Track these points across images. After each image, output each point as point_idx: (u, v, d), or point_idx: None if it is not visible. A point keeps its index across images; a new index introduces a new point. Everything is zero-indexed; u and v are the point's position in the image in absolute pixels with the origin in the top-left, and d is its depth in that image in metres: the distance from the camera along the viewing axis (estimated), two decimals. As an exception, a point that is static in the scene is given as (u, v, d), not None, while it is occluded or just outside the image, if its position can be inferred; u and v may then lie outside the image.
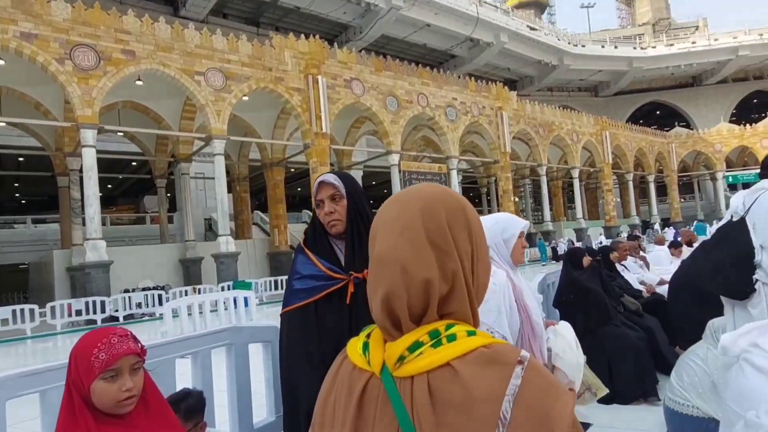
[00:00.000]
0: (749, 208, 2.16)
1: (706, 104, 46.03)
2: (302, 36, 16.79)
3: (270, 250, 19.59)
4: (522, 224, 1.89)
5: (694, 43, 43.09)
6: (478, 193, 35.29)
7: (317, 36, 17.20)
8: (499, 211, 25.37)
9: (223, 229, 14.99)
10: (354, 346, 0.69)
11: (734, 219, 2.24)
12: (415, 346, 0.61)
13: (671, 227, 26.77)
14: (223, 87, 14.61)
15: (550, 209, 29.33)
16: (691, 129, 41.02)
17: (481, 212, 35.42)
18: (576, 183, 29.27)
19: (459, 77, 22.64)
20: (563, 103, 32.90)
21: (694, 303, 2.88)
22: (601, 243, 21.51)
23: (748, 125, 37.06)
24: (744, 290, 2.04)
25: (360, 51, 19.60)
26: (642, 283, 4.89)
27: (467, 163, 29.13)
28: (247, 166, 21.46)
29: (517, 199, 25.60)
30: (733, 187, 40.35)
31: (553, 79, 41.42)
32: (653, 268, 5.61)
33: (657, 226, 30.32)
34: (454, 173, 21.54)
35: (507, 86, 25.77)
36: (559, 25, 44.71)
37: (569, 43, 38.39)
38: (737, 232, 2.16)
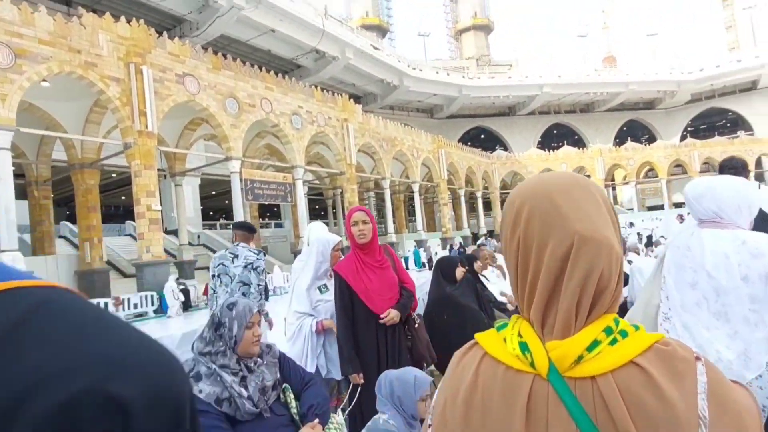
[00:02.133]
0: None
1: (520, 132, 53.01)
2: (122, 19, 14.51)
3: (80, 267, 16.38)
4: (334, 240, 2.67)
5: (510, 77, 49.42)
6: (324, 205, 35.08)
7: (142, 21, 15.04)
8: (344, 223, 25.30)
9: (9, 243, 11.92)
10: (499, 345, 0.65)
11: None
12: (594, 344, 0.59)
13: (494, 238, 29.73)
14: (10, 66, 11.73)
15: (393, 221, 30.32)
16: (509, 152, 46.68)
17: (327, 224, 35.17)
18: (416, 197, 30.80)
19: (305, 86, 22.07)
20: (403, 122, 34.64)
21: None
22: (436, 254, 22.59)
23: (551, 151, 43.49)
24: None
25: (196, 47, 17.76)
26: (503, 294, 4.69)
27: (313, 174, 28.64)
28: (50, 168, 17.80)
29: (362, 211, 25.79)
30: (541, 204, 46.80)
31: (394, 99, 43.55)
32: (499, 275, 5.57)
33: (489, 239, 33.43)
34: (299, 183, 20.77)
35: (353, 101, 26.06)
36: (398, 50, 47.45)
37: (409, 66, 40.82)
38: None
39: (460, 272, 3.56)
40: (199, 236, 25.77)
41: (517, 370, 0.61)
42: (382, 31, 61.82)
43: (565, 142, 49.92)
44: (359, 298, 2.67)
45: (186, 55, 15.86)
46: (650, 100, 54.83)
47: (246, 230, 4.02)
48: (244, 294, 3.64)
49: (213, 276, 3.78)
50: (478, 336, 0.69)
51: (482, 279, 4.37)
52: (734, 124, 52.71)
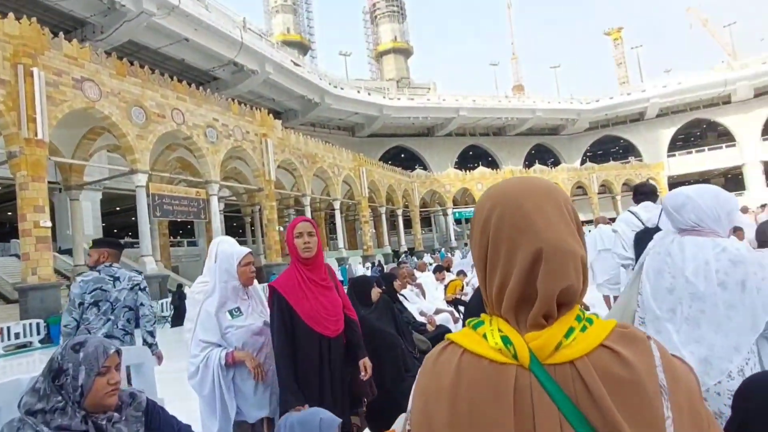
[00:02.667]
0: (658, 219, 3.00)
1: (438, 152, 54.84)
2: (11, 16, 13.07)
3: (-52, 294, 14.21)
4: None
5: (428, 99, 51.19)
6: (242, 223, 33.74)
7: (34, 20, 13.64)
8: (263, 241, 24.35)
9: None
10: (478, 341, 0.68)
11: (649, 227, 3.14)
12: (570, 332, 0.64)
13: (432, 253, 30.18)
14: None
15: (314, 239, 29.70)
16: (428, 171, 48.02)
17: (244, 243, 33.80)
18: (337, 214, 30.56)
19: (222, 98, 21.20)
20: (325, 139, 34.47)
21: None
22: (356, 272, 22.42)
23: (467, 171, 45.37)
24: None
25: (98, 51, 16.39)
26: (422, 314, 4.49)
27: (230, 190, 27.48)
28: None
29: (282, 229, 25.09)
30: (458, 222, 48.67)
31: (315, 116, 43.28)
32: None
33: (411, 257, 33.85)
34: (214, 199, 19.75)
35: (273, 117, 25.45)
36: (320, 68, 47.43)
37: (330, 84, 40.87)
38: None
39: (375, 293, 3.36)
40: (99, 256, 23.55)
41: (500, 363, 0.64)
42: (303, 48, 61.61)
43: (480, 163, 52.40)
44: (301, 320, 2.32)
45: (85, 58, 14.59)
46: (555, 127, 59.24)
47: (115, 247, 3.48)
48: (129, 321, 3.17)
49: (81, 304, 3.20)
50: (451, 336, 0.71)
51: (401, 298, 4.17)
52: (626, 150, 58.34)
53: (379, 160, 43.20)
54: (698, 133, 57.41)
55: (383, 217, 37.12)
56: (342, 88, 42.45)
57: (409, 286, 4.66)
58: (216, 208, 19.91)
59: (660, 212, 3.29)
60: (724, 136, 52.83)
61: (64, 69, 13.86)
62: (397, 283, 4.08)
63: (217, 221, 20.01)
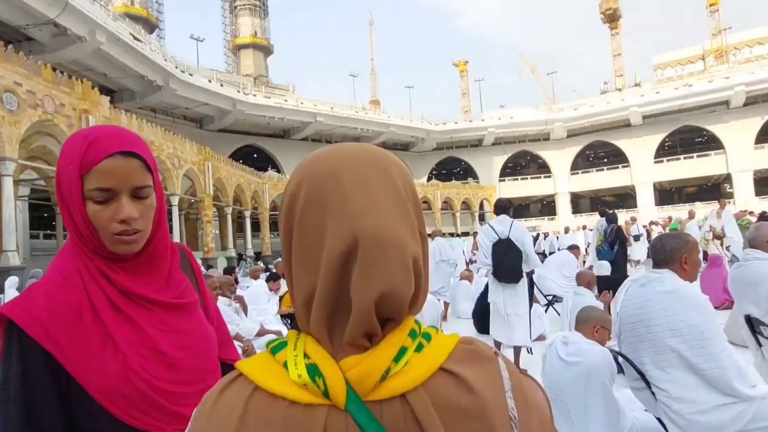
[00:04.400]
0: (509, 231, 4.38)
1: (293, 155, 53.59)
2: None
3: None
4: None
5: (286, 100, 49.79)
6: (53, 213, 28.43)
7: None
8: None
9: None
10: (275, 373, 0.49)
11: (502, 238, 4.37)
12: (401, 353, 0.49)
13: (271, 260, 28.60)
14: None
15: (144, 238, 26.22)
16: (281, 174, 46.48)
17: (52, 237, 28.51)
18: (175, 211, 27.49)
19: (29, 60, 17.41)
20: (168, 128, 30.91)
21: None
22: None
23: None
24: (519, 277, 4.44)
25: None
26: (237, 338, 3.43)
27: (37, 173, 22.85)
28: None
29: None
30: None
31: (157, 100, 38.87)
32: (251, 310, 4.34)
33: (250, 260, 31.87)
34: (8, 181, 16.00)
35: (104, 95, 21.80)
36: (168, 49, 42.87)
37: (177, 68, 37.09)
38: (511, 245, 4.36)
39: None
40: None
41: (305, 405, 0.47)
42: (149, 25, 55.54)
43: (334, 170, 52.42)
44: (90, 402, 0.91)
45: None
46: (406, 143, 62.37)
47: None
48: None
49: None
50: (241, 364, 0.51)
51: None
52: (466, 172, 63.99)
53: (230, 157, 40.38)
54: (523, 162, 65.45)
55: (229, 218, 34.61)
56: (191, 75, 38.85)
57: (222, 300, 3.58)
58: (10, 192, 16.15)
59: (510, 225, 4.41)
60: (544, 168, 61.13)
61: None
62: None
63: (10, 209, 16.22)
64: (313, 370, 0.47)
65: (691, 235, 2.05)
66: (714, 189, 52.12)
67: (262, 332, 3.56)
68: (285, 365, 0.49)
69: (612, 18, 60.09)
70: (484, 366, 0.51)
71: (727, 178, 49.17)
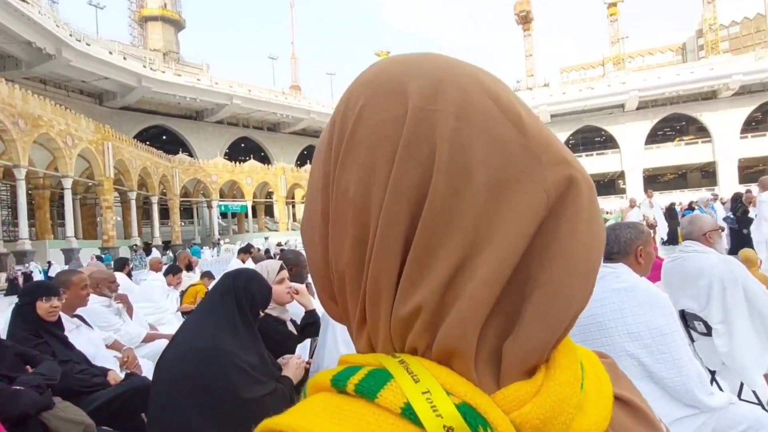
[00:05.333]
0: None
1: (206, 138, 50.69)
2: None
3: None
4: None
5: (199, 79, 46.79)
6: None
7: None
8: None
9: None
10: (389, 422, 0.28)
11: None
12: (582, 373, 0.34)
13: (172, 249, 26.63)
14: None
15: (31, 225, 23.40)
16: (194, 158, 43.76)
17: None
18: (68, 195, 24.78)
19: None
20: (61, 102, 27.66)
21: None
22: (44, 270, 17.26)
23: (238, 163, 42.94)
24: None
25: None
26: (115, 347, 2.84)
27: None
28: None
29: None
30: (224, 216, 45.65)
31: (48, 71, 34.73)
32: (141, 307, 3.68)
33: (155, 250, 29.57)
34: None
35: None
36: (63, 17, 38.29)
37: (71, 36, 33.33)
38: None
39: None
40: None
41: None
42: (39, -14, 49.36)
43: (252, 156, 50.35)
44: None
45: None
46: (327, 130, 61.44)
47: None
48: None
49: None
50: (292, 421, 0.28)
51: (69, 328, 2.46)
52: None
53: (135, 137, 37.24)
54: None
55: (133, 203, 31.93)
56: (88, 44, 35.11)
57: (98, 300, 2.95)
58: None
59: None
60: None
61: None
62: (46, 306, 2.26)
63: None
64: (469, 414, 0.28)
65: (644, 225, 1.93)
66: (609, 185, 56.95)
67: (150, 338, 3.03)
68: (406, 411, 0.28)
69: (525, 20, 63.12)
70: (628, 381, 0.39)
71: (621, 175, 53.93)
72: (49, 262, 19.09)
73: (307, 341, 2.15)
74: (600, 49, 63.24)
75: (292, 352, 2.14)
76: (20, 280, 15.83)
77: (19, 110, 20.21)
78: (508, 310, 0.31)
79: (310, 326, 2.46)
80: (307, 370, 2.00)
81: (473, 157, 0.30)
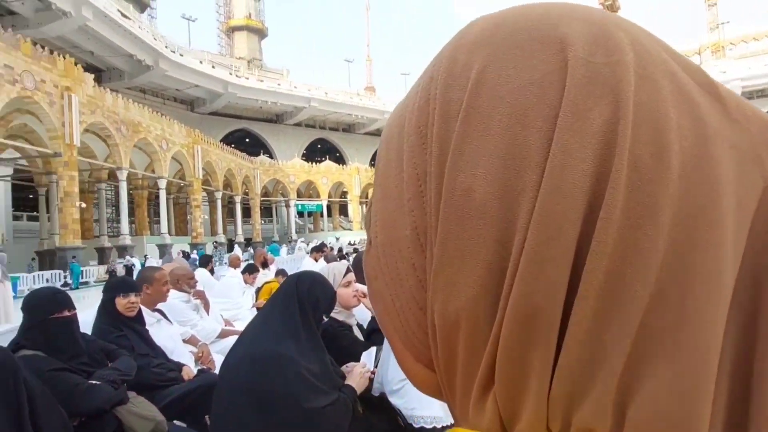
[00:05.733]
0: None
1: (286, 140, 52.84)
2: None
3: None
4: None
5: (279, 84, 48.88)
6: (37, 194, 27.66)
7: None
8: (60, 217, 19.83)
9: None
10: None
11: None
12: None
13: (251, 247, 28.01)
14: None
15: (131, 222, 25.67)
16: (273, 159, 45.78)
17: (35, 219, 27.76)
18: (163, 195, 26.87)
19: (7, 31, 16.62)
20: (158, 109, 30.12)
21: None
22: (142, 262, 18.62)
23: (314, 163, 44.34)
24: None
25: None
26: (192, 342, 2.86)
27: (19, 152, 22.10)
28: None
29: (84, 205, 20.89)
30: (301, 215, 47.35)
31: (147, 81, 37.95)
32: (218, 302, 3.66)
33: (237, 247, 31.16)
34: (-16, 160, 15.33)
35: (90, 73, 20.99)
36: (159, 29, 41.72)
37: (167, 47, 36.14)
38: None
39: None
40: None
41: None
42: (141, 4, 53.98)
43: (327, 156, 51.80)
44: None
45: None
46: (401, 130, 61.73)
47: None
48: None
49: None
50: None
51: (149, 321, 2.57)
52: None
53: (221, 141, 39.68)
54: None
55: (218, 202, 34.01)
56: (181, 55, 37.91)
57: (177, 295, 3.03)
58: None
59: None
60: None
61: None
62: (125, 301, 2.32)
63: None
64: None
65: None
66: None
67: (225, 334, 3.10)
68: None
69: (611, 9, 59.55)
70: None
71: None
72: (145, 256, 20.79)
73: (373, 349, 2.06)
74: (696, 36, 57.90)
75: (358, 358, 2.06)
76: (119, 272, 17.31)
77: (121, 117, 22.21)
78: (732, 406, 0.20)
79: (376, 333, 2.37)
80: (371, 381, 1.91)
81: (668, 128, 0.20)
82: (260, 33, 71.74)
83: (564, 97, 0.20)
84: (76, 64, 19.43)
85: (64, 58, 18.79)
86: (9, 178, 25.05)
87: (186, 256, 17.65)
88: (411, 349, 0.26)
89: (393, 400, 1.89)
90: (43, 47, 18.14)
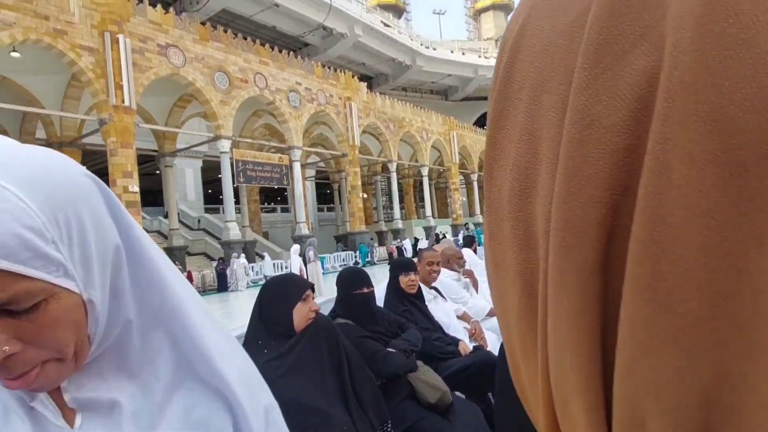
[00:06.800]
0: None
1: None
2: (101, -16, 13.36)
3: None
4: None
5: (529, 57, 47.23)
6: (331, 189, 34.01)
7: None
8: (349, 207, 23.95)
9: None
10: None
11: None
12: None
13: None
14: (-34, 31, 10.71)
15: (401, 207, 29.00)
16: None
17: (332, 210, 34.05)
18: (425, 181, 29.41)
19: (304, 60, 20.73)
20: (417, 104, 33.14)
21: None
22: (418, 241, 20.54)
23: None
24: None
25: (181, 16, 16.54)
26: (464, 318, 2.98)
27: (319, 156, 27.49)
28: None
29: (365, 196, 24.60)
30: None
31: (407, 79, 41.90)
32: (484, 282, 3.65)
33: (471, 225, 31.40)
34: (297, 166, 19.59)
35: (363, 82, 24.62)
36: (414, 29, 45.56)
37: (422, 45, 39.08)
38: None
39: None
40: (199, 220, 24.87)
41: None
42: (398, 11, 59.84)
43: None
44: None
45: (169, 24, 14.67)
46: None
47: None
48: None
49: None
50: None
51: (428, 297, 2.84)
52: None
53: (474, 124, 40.93)
54: None
55: (475, 184, 35.27)
56: (434, 49, 40.46)
57: (448, 274, 3.24)
58: (298, 174, 19.76)
59: None
60: None
61: (149, 35, 14.04)
62: (406, 279, 2.57)
63: (299, 188, 19.87)
64: None
65: None
66: None
67: (493, 312, 3.19)
68: None
69: None
70: None
71: None
72: (416, 238, 23.20)
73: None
74: None
75: None
76: (395, 254, 19.82)
77: (389, 116, 25.21)
78: None
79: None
80: None
81: (726, 78, 0.11)
82: (506, 8, 70.58)
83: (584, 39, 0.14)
84: (353, 76, 22.90)
85: (344, 73, 22.36)
86: (313, 179, 31.39)
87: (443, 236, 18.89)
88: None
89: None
90: (328, 68, 21.98)
